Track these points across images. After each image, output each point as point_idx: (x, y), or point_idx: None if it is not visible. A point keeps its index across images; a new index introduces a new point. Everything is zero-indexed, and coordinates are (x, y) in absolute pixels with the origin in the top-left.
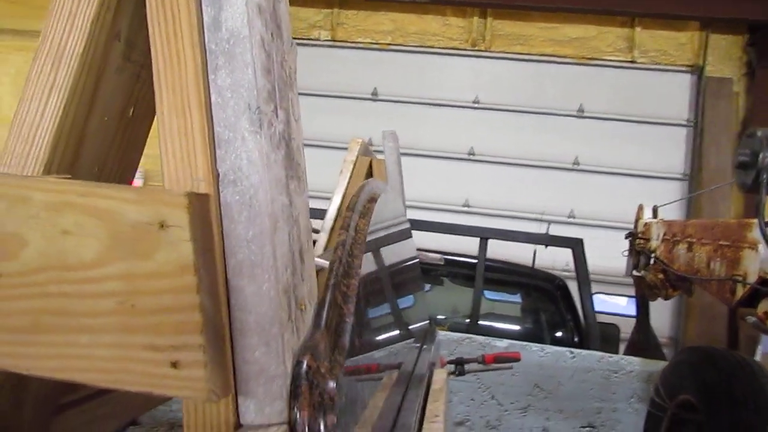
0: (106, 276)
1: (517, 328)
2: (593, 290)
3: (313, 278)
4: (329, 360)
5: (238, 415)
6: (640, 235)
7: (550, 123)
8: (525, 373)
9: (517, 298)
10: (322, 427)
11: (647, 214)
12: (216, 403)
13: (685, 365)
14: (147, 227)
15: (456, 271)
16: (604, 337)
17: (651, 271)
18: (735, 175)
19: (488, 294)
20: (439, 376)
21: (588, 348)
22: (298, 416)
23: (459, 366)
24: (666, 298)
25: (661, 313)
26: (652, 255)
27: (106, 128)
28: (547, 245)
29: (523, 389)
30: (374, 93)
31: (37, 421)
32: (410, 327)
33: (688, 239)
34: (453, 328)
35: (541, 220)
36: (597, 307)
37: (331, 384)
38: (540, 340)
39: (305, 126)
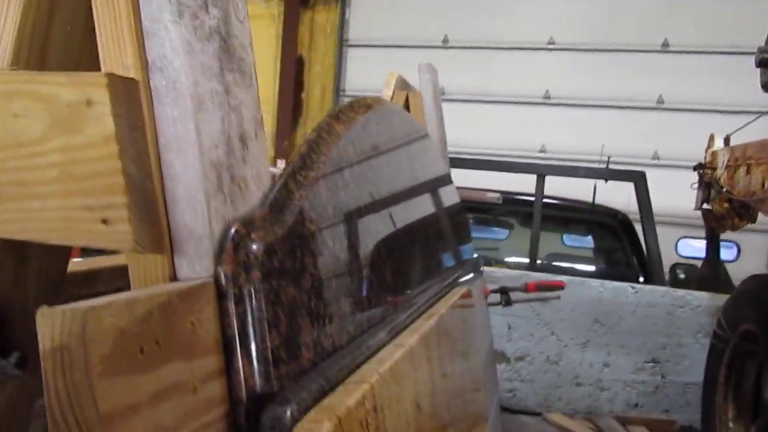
0: (50, 150)
1: (578, 266)
2: (681, 234)
3: (263, 165)
4: (264, 230)
5: (174, 272)
6: (707, 166)
7: (631, 60)
8: (584, 309)
9: (577, 235)
10: (243, 280)
11: (718, 144)
12: (154, 261)
13: (747, 295)
14: (77, 106)
15: (515, 209)
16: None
17: (717, 202)
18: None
19: (548, 232)
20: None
21: (652, 283)
22: (221, 271)
23: (504, 295)
24: (733, 228)
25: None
26: (718, 184)
27: (70, 38)
28: (607, 179)
29: (583, 325)
30: (444, 40)
31: (40, 297)
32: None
33: (748, 161)
34: (513, 267)
35: (621, 163)
36: (685, 252)
37: (258, 247)
38: (602, 276)
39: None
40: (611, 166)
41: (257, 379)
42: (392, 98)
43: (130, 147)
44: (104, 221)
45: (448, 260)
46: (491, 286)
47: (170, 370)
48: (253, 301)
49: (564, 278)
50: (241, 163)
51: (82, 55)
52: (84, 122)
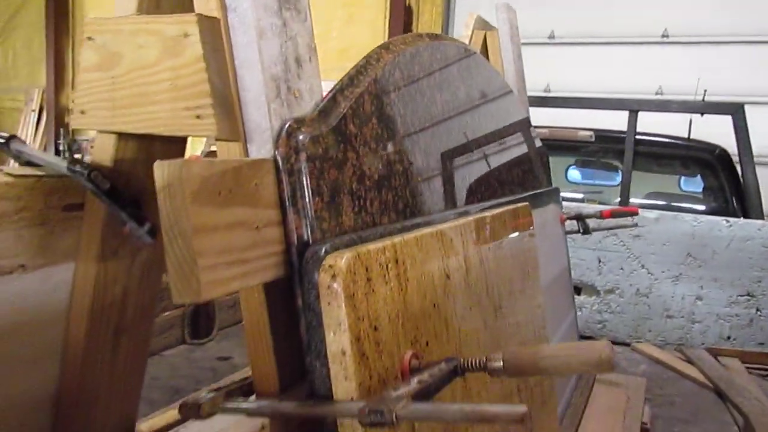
0: (162, 69)
1: (675, 203)
2: None
3: (316, 82)
4: (311, 127)
5: (247, 155)
6: None
7: None
8: (677, 244)
9: (674, 171)
10: (293, 160)
11: None
12: (233, 147)
13: None
14: (179, 37)
15: (609, 147)
16: None
17: None
18: None
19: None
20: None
21: (750, 218)
22: (277, 153)
23: (581, 222)
24: None
25: None
26: None
27: None
28: (702, 113)
29: (675, 259)
30: None
31: None
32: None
33: None
34: (603, 202)
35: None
36: None
37: (305, 137)
38: (701, 211)
39: None
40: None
41: (303, 229)
42: (470, 38)
43: (213, 65)
44: (198, 117)
45: (509, 183)
46: (568, 213)
47: (239, 211)
48: (300, 175)
49: (655, 213)
50: (296, 78)
51: (183, 2)
52: (183, 48)
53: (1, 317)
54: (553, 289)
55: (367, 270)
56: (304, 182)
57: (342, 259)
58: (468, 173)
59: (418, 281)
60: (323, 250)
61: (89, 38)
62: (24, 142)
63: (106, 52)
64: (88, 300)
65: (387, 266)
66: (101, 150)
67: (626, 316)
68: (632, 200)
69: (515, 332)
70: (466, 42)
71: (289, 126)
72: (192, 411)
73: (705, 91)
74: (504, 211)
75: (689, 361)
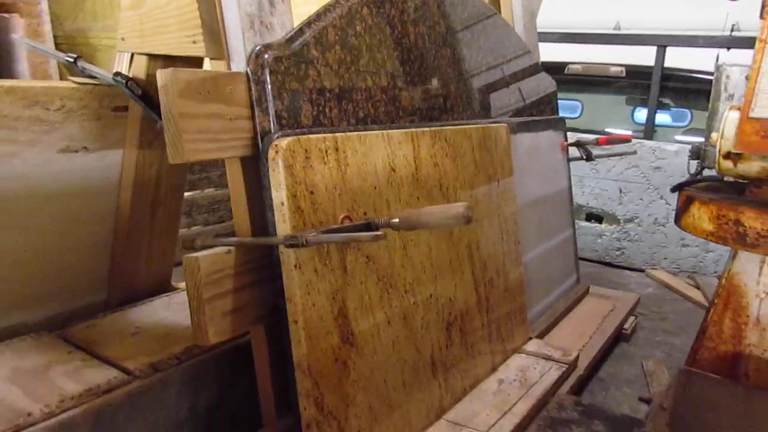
0: (171, 8)
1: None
2: None
3: (287, 18)
4: (276, 50)
5: (230, 69)
6: None
7: None
8: None
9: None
10: (259, 73)
11: None
12: (220, 65)
13: None
14: None
15: (638, 82)
16: None
17: None
18: None
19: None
20: None
21: None
22: (248, 67)
23: (582, 149)
24: None
25: None
26: None
27: None
28: (729, 48)
29: None
30: None
31: None
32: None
33: None
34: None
35: None
36: None
37: (269, 56)
38: None
39: None
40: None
41: (265, 123)
42: None
43: (204, 5)
44: (194, 42)
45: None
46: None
47: (215, 106)
48: (265, 84)
49: (675, 146)
50: (269, 15)
51: None
52: None
53: (70, 184)
54: (546, 205)
55: (306, 151)
56: (268, 90)
57: (285, 141)
58: (442, 96)
59: (358, 167)
60: (275, 136)
61: None
62: (85, 61)
63: None
64: (131, 178)
65: (326, 151)
66: (137, 68)
67: (643, 244)
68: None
69: (474, 225)
70: None
71: (258, 49)
72: (188, 244)
73: (733, 25)
74: (470, 128)
75: (697, 287)
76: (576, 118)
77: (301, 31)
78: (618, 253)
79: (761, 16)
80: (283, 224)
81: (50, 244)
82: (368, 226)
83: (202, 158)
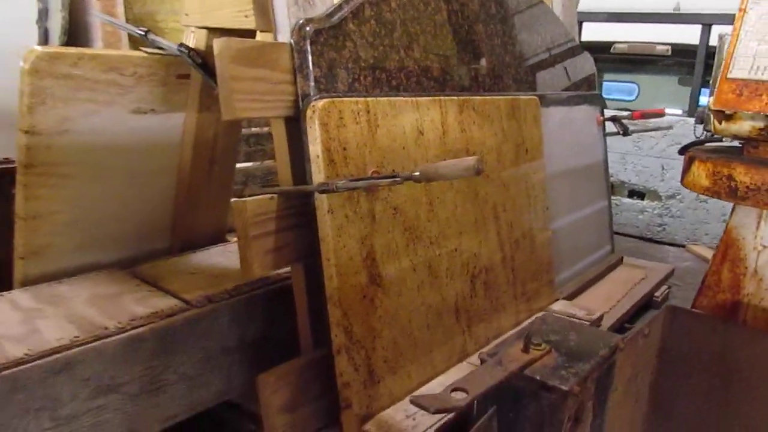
0: None
1: None
2: None
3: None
4: (317, 23)
5: (275, 37)
6: None
7: None
8: None
9: None
10: (301, 44)
11: None
12: (268, 36)
13: None
14: None
15: (684, 60)
16: None
17: None
18: None
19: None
20: None
21: None
22: (291, 39)
23: (618, 124)
24: None
25: None
26: None
27: None
28: None
29: None
30: None
31: None
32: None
33: None
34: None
35: None
36: None
37: (310, 29)
38: None
39: None
40: None
41: (305, 88)
42: None
43: None
44: (246, 16)
45: (523, 81)
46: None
47: (261, 72)
48: (306, 54)
49: None
50: None
51: None
52: None
53: (140, 141)
54: (580, 175)
55: (340, 112)
56: (308, 58)
57: (321, 102)
58: (475, 69)
59: (388, 128)
60: (313, 99)
61: None
62: (154, 35)
63: None
64: (192, 137)
65: (358, 113)
66: (198, 40)
67: (685, 220)
68: None
69: (500, 188)
70: None
71: (301, 22)
72: (238, 193)
73: None
74: (499, 98)
75: None
76: (633, 100)
77: (339, 6)
78: (659, 229)
79: None
80: (318, 174)
81: (122, 193)
82: (393, 179)
83: (249, 116)
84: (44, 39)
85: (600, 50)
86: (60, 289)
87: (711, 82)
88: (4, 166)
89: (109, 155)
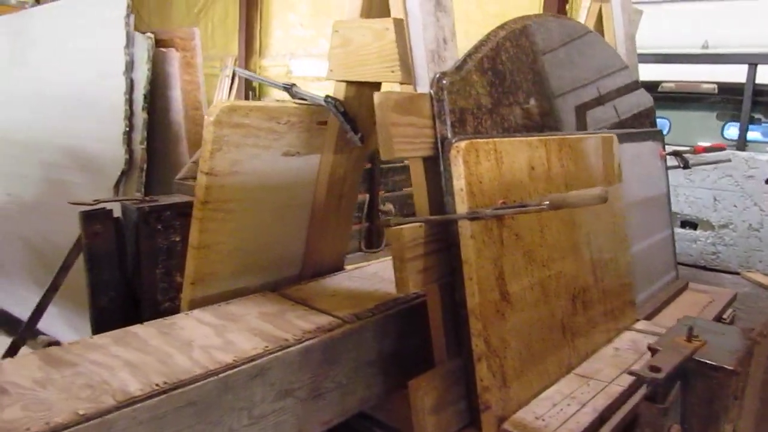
0: (373, 47)
1: None
2: None
3: (454, 52)
4: (449, 76)
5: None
6: None
7: None
8: None
9: None
10: (439, 94)
11: None
12: (408, 88)
13: None
14: (383, 30)
15: (730, 98)
16: None
17: None
18: None
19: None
20: None
21: None
22: (430, 90)
23: (679, 157)
24: None
25: None
26: None
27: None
28: None
29: None
30: None
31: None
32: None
33: None
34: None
35: None
36: None
37: (446, 81)
38: None
39: None
40: None
41: (443, 131)
42: (589, 8)
43: (400, 43)
44: (392, 71)
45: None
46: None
47: (411, 118)
48: (443, 102)
49: (766, 156)
50: (443, 50)
51: (384, 10)
52: (384, 35)
53: (286, 179)
54: (648, 206)
55: (476, 151)
56: (445, 107)
57: (463, 143)
58: (562, 110)
59: (509, 165)
60: (454, 140)
61: (335, 30)
62: (299, 88)
63: (343, 37)
64: (326, 176)
65: (489, 152)
66: (338, 91)
67: (738, 248)
68: None
69: (592, 217)
70: (585, 12)
71: (438, 76)
72: (384, 223)
73: None
74: (589, 137)
75: None
76: (665, 135)
77: (465, 61)
78: (713, 257)
79: None
80: (461, 205)
81: (269, 225)
82: (523, 206)
83: (402, 156)
84: (130, 89)
85: (648, 89)
86: (230, 308)
87: None
88: (150, 204)
89: (262, 192)
